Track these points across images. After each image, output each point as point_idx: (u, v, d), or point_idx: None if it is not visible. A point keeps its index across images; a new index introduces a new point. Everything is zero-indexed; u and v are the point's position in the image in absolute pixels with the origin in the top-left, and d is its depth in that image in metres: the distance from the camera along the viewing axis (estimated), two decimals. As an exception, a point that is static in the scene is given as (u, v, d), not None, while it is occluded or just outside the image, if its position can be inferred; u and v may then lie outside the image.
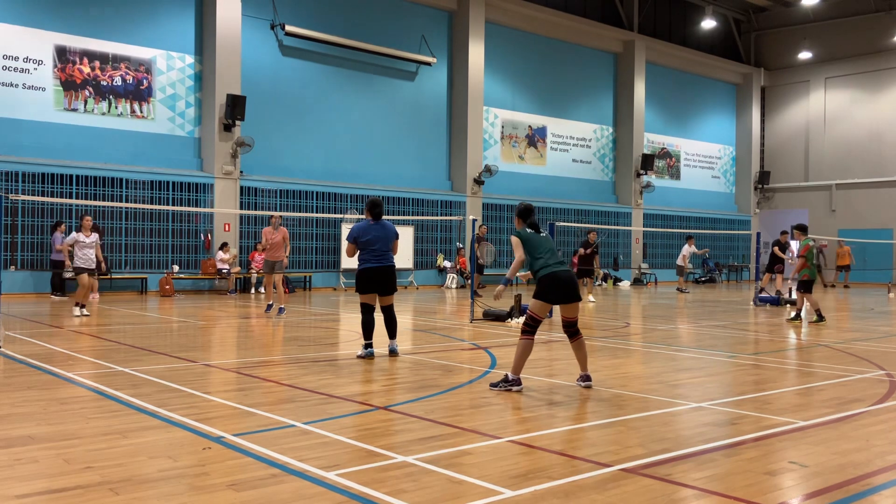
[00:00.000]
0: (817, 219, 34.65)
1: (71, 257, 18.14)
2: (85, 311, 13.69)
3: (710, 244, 35.14)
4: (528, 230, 7.20)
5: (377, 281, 8.93)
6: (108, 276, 19.35)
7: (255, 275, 21.21)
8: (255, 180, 22.22)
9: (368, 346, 8.87)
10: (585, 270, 19.36)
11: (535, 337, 6.97)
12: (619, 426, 5.66)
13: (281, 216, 15.37)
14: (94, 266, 13.88)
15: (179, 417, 5.69)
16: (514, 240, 7.16)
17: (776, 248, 20.96)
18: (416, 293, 22.79)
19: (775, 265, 20.66)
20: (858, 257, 31.21)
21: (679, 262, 25.28)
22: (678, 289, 25.04)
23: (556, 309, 7.19)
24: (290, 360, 8.95)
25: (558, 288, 6.92)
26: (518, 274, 7.67)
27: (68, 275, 18.94)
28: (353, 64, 24.54)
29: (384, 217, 9.30)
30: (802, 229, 14.50)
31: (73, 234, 13.90)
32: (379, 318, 9.12)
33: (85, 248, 13.69)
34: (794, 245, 16.50)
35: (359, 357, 8.84)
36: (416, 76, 26.13)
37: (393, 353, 9.05)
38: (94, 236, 13.85)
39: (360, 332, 9.06)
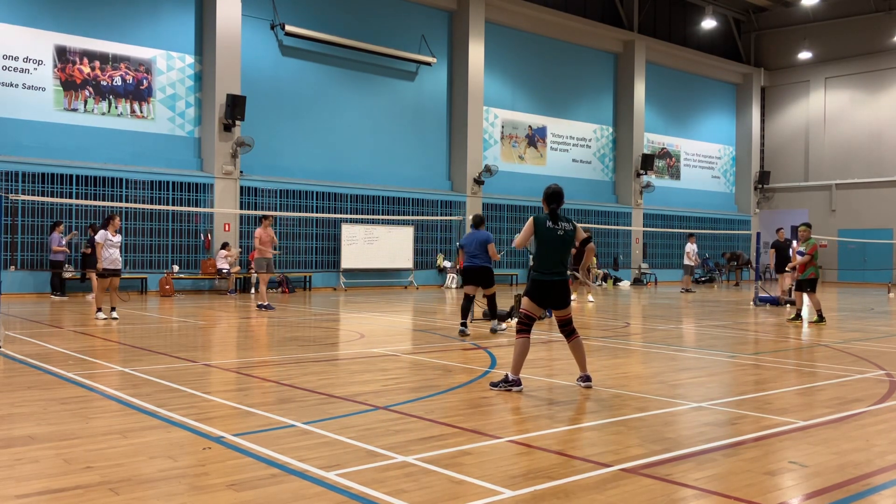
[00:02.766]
0: (817, 219, 34.63)
1: (87, 258, 18.01)
2: (114, 315, 13.27)
3: (711, 244, 35.17)
4: (549, 222, 6.97)
5: (468, 277, 11.24)
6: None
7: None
8: (255, 180, 22.22)
9: (463, 324, 11.11)
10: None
11: (533, 336, 6.97)
12: (619, 426, 5.65)
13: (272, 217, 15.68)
14: (119, 267, 13.59)
15: (179, 417, 5.69)
16: (529, 224, 7.00)
17: (773, 250, 20.92)
18: (416, 293, 22.78)
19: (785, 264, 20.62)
20: (858, 257, 31.17)
21: (686, 261, 25.21)
22: (683, 289, 24.96)
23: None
24: (290, 360, 8.96)
25: (544, 295, 6.98)
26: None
27: (68, 274, 18.96)
28: (353, 64, 24.54)
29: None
30: (810, 227, 14.42)
31: (102, 231, 13.51)
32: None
33: (112, 247, 13.37)
34: (795, 244, 16.47)
35: (459, 333, 11.03)
36: (416, 76, 26.13)
37: (493, 331, 11.46)
38: (119, 237, 13.62)
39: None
